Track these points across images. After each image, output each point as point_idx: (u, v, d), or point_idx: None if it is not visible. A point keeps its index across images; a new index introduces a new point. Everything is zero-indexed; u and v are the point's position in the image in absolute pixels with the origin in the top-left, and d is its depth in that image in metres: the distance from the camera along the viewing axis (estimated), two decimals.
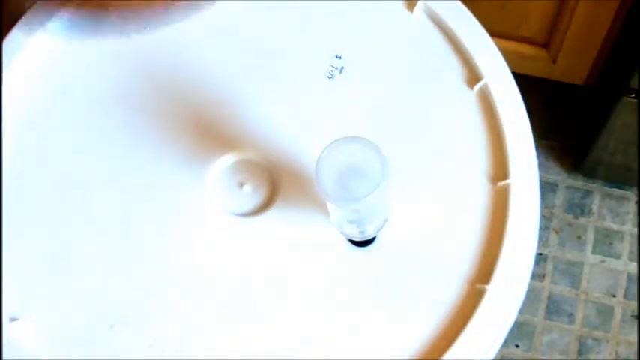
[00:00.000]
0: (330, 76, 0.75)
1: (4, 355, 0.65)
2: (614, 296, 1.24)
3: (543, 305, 1.24)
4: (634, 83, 1.01)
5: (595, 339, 1.22)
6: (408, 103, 0.74)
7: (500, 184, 0.70)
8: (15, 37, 0.77)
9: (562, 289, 1.25)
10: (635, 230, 1.28)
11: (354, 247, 0.69)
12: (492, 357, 0.65)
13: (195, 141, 0.73)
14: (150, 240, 0.70)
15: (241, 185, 0.72)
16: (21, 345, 0.66)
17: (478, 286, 0.67)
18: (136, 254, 0.70)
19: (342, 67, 0.76)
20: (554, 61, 1.17)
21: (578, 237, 1.28)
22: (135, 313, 0.68)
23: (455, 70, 0.75)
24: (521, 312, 0.66)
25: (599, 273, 1.26)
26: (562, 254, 1.27)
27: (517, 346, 1.22)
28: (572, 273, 1.26)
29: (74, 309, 0.68)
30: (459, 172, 0.72)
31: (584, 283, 1.25)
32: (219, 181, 0.73)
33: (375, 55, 0.76)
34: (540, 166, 0.71)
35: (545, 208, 1.29)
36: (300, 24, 0.78)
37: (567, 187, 1.31)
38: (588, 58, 1.15)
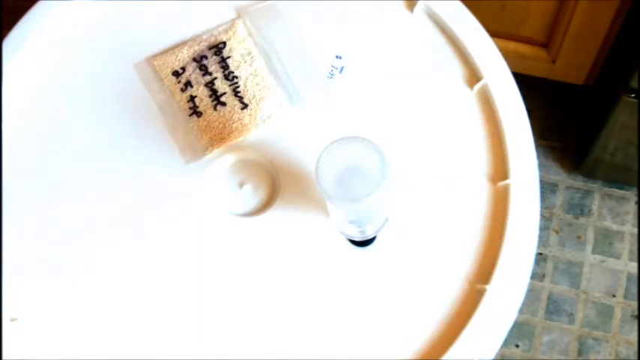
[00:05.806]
0: (330, 76, 0.75)
1: (4, 355, 0.65)
2: (614, 296, 1.24)
3: (543, 305, 1.24)
4: (634, 83, 1.01)
5: (595, 339, 1.22)
6: (408, 103, 0.74)
7: (500, 184, 0.70)
8: (15, 37, 0.77)
9: (562, 289, 1.25)
10: (635, 230, 1.28)
11: (354, 247, 0.69)
12: (492, 357, 0.65)
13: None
14: (149, 240, 0.70)
15: (241, 185, 0.72)
16: (21, 345, 0.66)
17: (478, 286, 0.67)
18: (135, 254, 0.70)
19: (342, 67, 0.76)
20: (554, 61, 1.17)
21: (578, 237, 1.28)
22: (134, 313, 0.68)
23: (455, 70, 0.75)
24: (521, 312, 0.66)
25: (599, 273, 1.26)
26: (562, 254, 1.27)
27: (517, 346, 1.22)
28: (572, 273, 1.26)
29: (73, 309, 0.68)
30: (459, 172, 0.72)
31: (584, 283, 1.25)
32: (219, 181, 0.73)
33: (375, 55, 0.76)
34: (540, 166, 0.71)
35: (545, 208, 1.29)
36: (300, 24, 0.78)
37: (567, 187, 1.31)
38: (588, 58, 1.15)
